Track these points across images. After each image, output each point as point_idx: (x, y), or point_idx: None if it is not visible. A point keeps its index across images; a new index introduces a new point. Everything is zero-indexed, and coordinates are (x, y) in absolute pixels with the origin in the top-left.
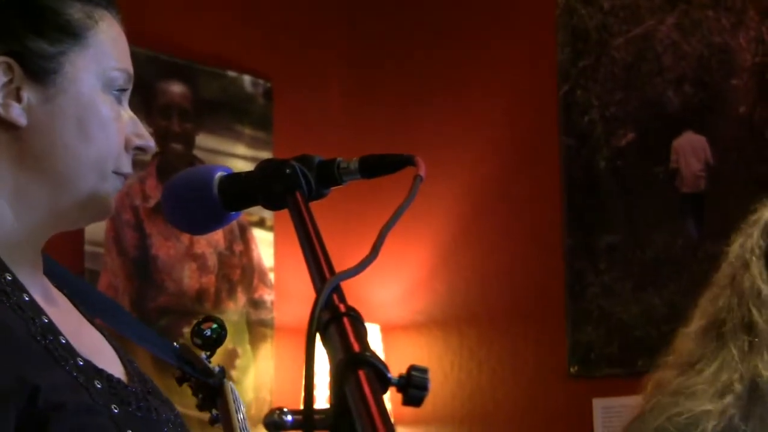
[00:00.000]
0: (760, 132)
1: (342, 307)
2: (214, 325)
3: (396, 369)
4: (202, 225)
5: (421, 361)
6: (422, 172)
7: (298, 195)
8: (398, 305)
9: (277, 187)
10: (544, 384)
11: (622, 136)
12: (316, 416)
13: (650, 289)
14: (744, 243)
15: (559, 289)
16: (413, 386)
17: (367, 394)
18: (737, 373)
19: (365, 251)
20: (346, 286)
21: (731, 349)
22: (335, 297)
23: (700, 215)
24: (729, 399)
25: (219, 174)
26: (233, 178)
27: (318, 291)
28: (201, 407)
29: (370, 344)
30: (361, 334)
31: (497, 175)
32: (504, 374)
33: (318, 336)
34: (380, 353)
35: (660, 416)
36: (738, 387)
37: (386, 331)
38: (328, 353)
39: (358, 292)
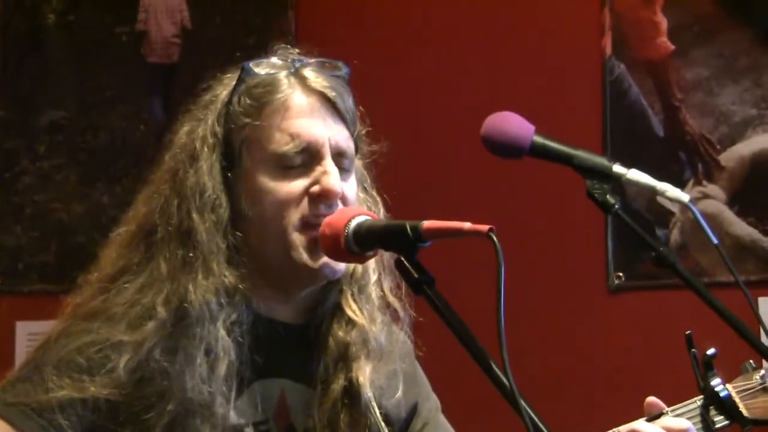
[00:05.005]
0: None
1: None
2: None
3: None
4: None
5: None
6: None
7: None
8: None
9: None
10: None
11: None
12: None
13: (101, 183)
14: (194, 130)
15: None
16: None
17: None
18: (162, 295)
19: None
20: None
21: (160, 263)
22: None
23: (170, 93)
24: (150, 326)
25: None
26: None
27: None
28: None
29: None
30: None
31: None
32: None
33: None
34: None
35: (68, 346)
36: (162, 311)
37: None
38: None
39: None
